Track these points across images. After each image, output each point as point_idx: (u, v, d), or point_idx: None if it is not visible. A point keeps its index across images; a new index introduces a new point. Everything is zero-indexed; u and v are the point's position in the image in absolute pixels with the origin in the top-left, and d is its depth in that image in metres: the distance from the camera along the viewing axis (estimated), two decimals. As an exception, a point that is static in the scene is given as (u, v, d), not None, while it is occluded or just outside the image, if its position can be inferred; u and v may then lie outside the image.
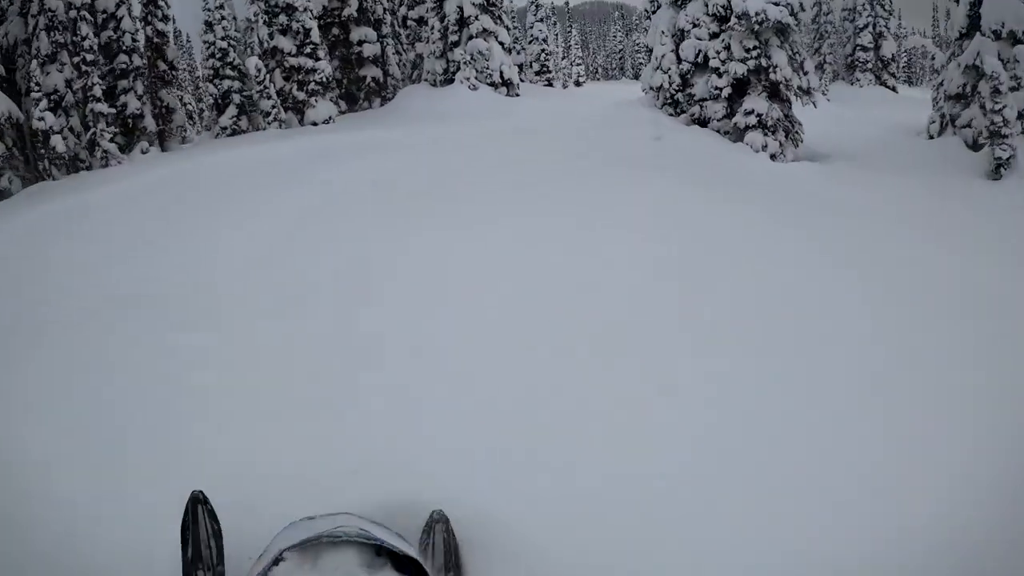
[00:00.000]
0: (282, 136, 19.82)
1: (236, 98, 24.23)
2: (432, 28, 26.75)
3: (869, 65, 38.09)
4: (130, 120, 25.43)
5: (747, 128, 16.19)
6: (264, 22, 24.53)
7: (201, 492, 3.32)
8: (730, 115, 16.77)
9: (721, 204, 9.10)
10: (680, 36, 17.91)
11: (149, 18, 26.69)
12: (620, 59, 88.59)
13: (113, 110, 23.82)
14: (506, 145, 13.96)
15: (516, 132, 16.32)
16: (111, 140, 21.42)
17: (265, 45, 24.64)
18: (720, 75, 16.81)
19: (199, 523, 3.24)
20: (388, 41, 30.45)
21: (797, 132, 16.82)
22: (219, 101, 24.81)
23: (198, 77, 44.04)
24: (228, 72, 24.37)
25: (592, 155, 12.50)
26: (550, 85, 40.07)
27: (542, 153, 13.07)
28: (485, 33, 25.29)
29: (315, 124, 23.74)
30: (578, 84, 68.67)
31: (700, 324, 5.52)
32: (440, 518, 3.29)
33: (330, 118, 23.99)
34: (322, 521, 2.65)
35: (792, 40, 16.52)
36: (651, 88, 18.51)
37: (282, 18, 24.27)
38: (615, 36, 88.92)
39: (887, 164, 15.12)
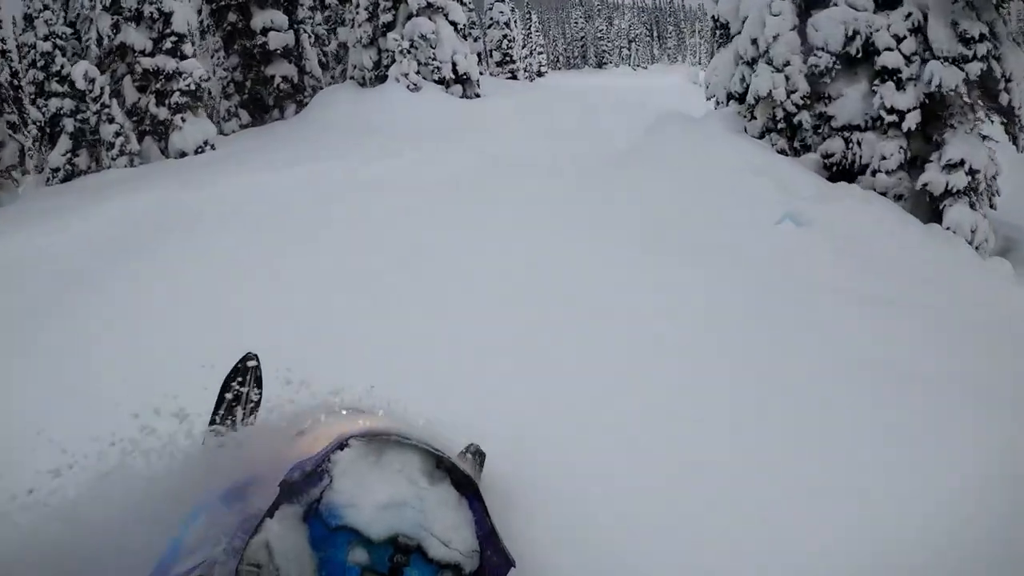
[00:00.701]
0: (89, 191, 11.74)
1: (69, 124, 15.85)
2: (357, 6, 18.56)
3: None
4: (-73, 163, 17.04)
5: (948, 194, 8.26)
6: (104, 7, 16.15)
7: (255, 355, 3.07)
8: (910, 165, 8.69)
9: None
10: (808, 4, 9.11)
11: (-42, 15, 18.19)
12: (582, 47, 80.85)
13: None
14: (473, 247, 6.28)
15: (490, 184, 8.47)
16: None
17: (108, 42, 16.30)
18: (902, 85, 8.44)
19: (244, 383, 2.97)
20: (305, 28, 22.19)
21: (993, 195, 8.94)
22: (46, 129, 16.46)
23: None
24: (56, 87, 16.02)
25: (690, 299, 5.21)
26: (514, 77, 32.06)
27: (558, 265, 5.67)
28: (430, 9, 17.18)
29: (184, 154, 15.52)
30: (540, 74, 61.73)
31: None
32: (476, 451, 2.63)
33: (206, 143, 15.78)
34: (370, 417, 2.03)
35: (1011, 28, 8.72)
36: (736, 97, 9.29)
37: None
38: (576, 23, 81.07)
39: None
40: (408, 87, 15.95)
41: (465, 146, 11.04)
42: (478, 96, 17.32)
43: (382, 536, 1.39)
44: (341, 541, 1.38)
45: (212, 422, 2.72)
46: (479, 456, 2.68)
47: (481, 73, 31.96)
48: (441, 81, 16.66)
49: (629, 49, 77.68)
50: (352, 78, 19.01)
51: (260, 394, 2.99)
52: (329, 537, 1.38)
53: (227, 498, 1.57)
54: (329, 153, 11.15)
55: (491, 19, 32.25)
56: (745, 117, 9.24)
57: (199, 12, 22.58)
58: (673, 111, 9.80)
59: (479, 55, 32.27)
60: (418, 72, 16.42)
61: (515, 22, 61.44)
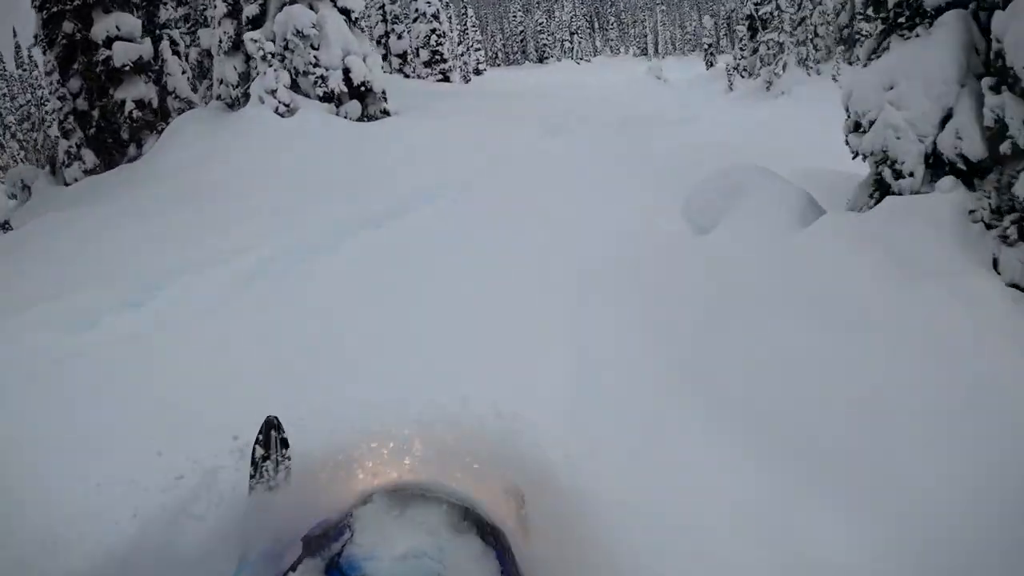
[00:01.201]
0: None
1: None
2: (215, -2, 13.16)
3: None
4: None
5: None
6: None
7: (276, 418, 2.90)
8: None
9: None
10: None
11: None
12: (522, 41, 75.68)
13: None
14: None
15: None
16: None
17: None
18: None
19: (269, 448, 2.80)
20: (170, 34, 16.66)
21: None
22: None
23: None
24: None
25: None
26: (446, 79, 26.73)
27: None
28: (313, -5, 11.78)
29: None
30: (478, 72, 57.03)
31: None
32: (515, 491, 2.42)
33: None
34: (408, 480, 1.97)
35: None
36: (963, 168, 3.56)
37: None
38: (514, 16, 75.96)
39: None
40: (277, 110, 10.64)
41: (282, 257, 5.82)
42: (386, 114, 12.00)
43: None
44: None
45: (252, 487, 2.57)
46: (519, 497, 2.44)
47: (407, 74, 26.59)
48: (329, 97, 11.32)
49: (571, 42, 72.66)
50: (219, 98, 13.59)
51: (289, 456, 2.74)
52: None
53: (267, 556, 1.54)
54: (76, 274, 5.94)
55: (416, 11, 26.80)
56: (1000, 233, 3.25)
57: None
58: (747, 165, 4.57)
59: (404, 55, 26.96)
60: (293, 85, 11.12)
61: (450, 17, 56.13)
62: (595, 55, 77.57)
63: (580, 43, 73.38)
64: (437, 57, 26.37)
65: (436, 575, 1.38)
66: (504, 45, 77.97)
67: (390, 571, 1.37)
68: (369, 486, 1.57)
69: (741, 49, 24.37)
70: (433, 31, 26.34)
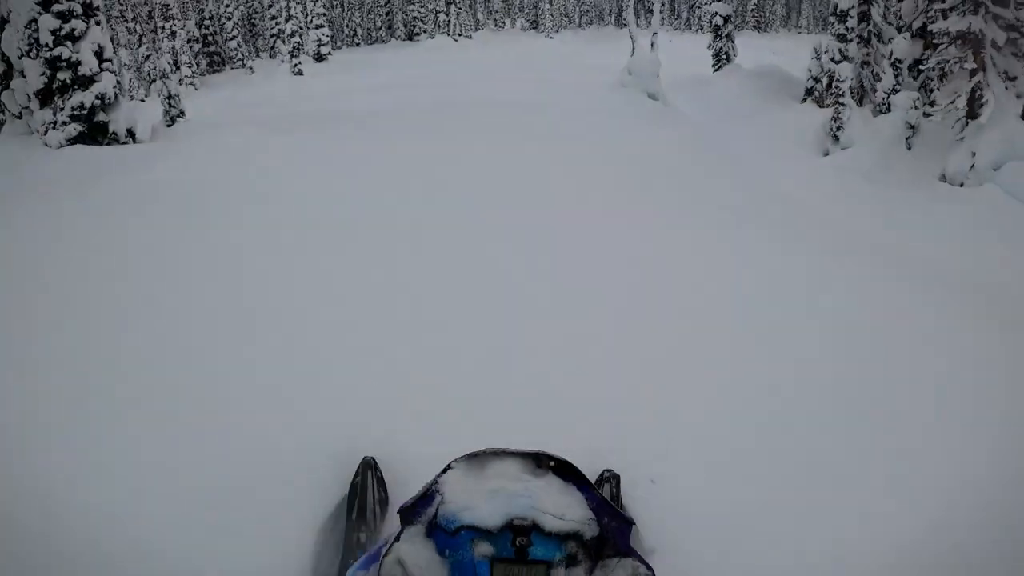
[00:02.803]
0: None
1: None
2: None
3: None
4: None
5: None
6: None
7: (372, 458, 3.12)
8: None
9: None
10: None
11: None
12: (387, 15, 58.81)
13: None
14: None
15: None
16: None
17: None
18: None
19: (367, 488, 3.03)
20: None
21: None
22: None
23: None
24: None
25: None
26: (99, 135, 10.69)
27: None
28: None
29: None
30: (320, 58, 41.56)
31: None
32: (611, 476, 3.02)
33: None
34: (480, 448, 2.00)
35: None
36: None
37: None
38: (376, -15, 59.01)
39: None
40: None
41: None
42: None
43: (498, 523, 1.35)
44: (464, 540, 1.36)
45: (348, 530, 2.79)
46: (615, 480, 2.88)
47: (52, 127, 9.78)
48: None
49: (447, 14, 56.37)
50: None
51: (386, 494, 2.98)
52: (452, 541, 1.36)
53: (366, 563, 1.57)
54: None
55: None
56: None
57: None
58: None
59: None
60: None
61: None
62: (476, 29, 61.90)
63: (458, 15, 57.26)
64: (65, 79, 10.20)
65: (529, 507, 1.35)
66: (364, 20, 60.74)
67: (486, 513, 1.34)
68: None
69: (841, 39, 9.57)
70: (63, 16, 10.09)
